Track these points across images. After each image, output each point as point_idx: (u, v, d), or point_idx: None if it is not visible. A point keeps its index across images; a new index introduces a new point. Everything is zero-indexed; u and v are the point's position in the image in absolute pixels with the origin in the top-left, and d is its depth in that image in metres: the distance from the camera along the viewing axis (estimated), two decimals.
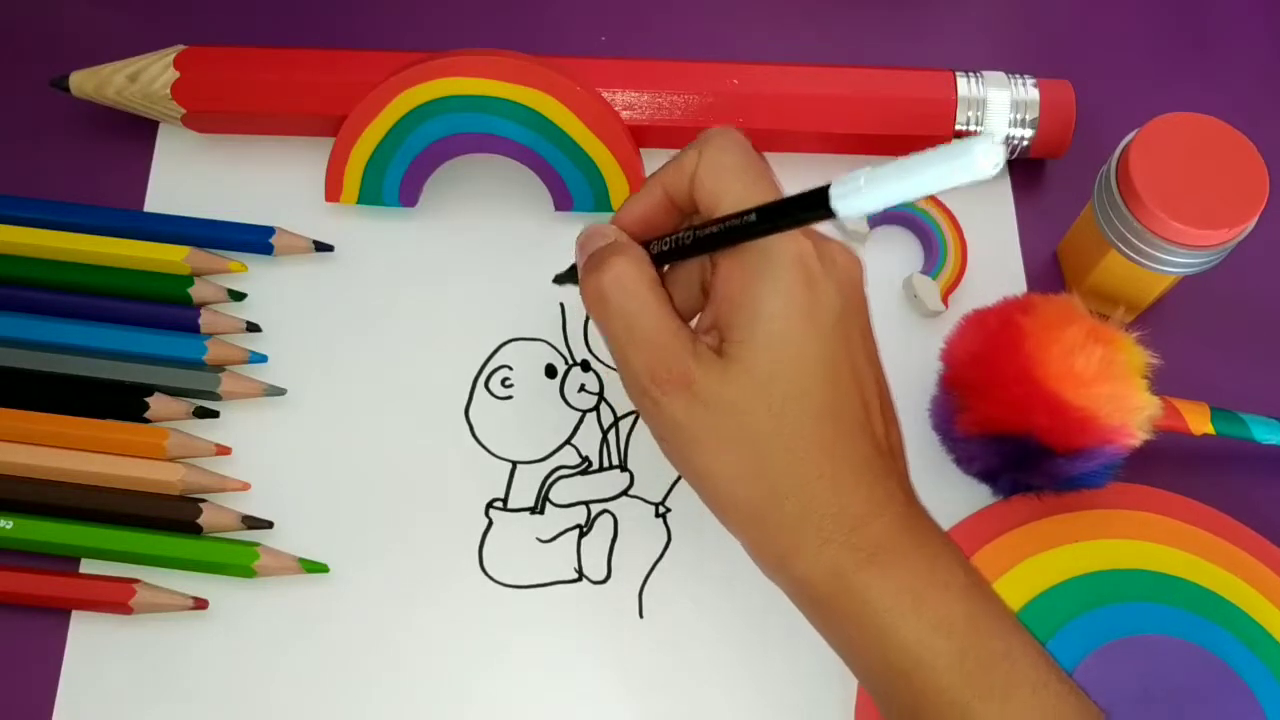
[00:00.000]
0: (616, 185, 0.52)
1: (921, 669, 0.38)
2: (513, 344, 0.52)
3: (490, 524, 0.49)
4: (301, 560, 0.47)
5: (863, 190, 0.35)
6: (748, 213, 0.39)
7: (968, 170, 0.32)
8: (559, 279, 0.50)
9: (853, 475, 0.40)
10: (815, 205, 0.36)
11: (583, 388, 0.51)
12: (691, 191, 0.41)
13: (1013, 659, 0.39)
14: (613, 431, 0.50)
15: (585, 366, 0.51)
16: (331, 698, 0.46)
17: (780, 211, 0.38)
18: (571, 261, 0.46)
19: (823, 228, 0.42)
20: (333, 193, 0.52)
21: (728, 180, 0.40)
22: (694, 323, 0.42)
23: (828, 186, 0.36)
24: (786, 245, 0.39)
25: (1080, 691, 0.39)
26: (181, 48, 0.53)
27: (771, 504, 0.39)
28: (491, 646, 0.47)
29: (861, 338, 0.41)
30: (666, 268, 0.44)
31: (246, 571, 0.47)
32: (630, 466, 0.50)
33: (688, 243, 0.41)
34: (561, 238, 0.53)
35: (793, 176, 0.55)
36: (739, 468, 0.39)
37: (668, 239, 0.42)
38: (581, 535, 0.49)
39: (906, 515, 0.40)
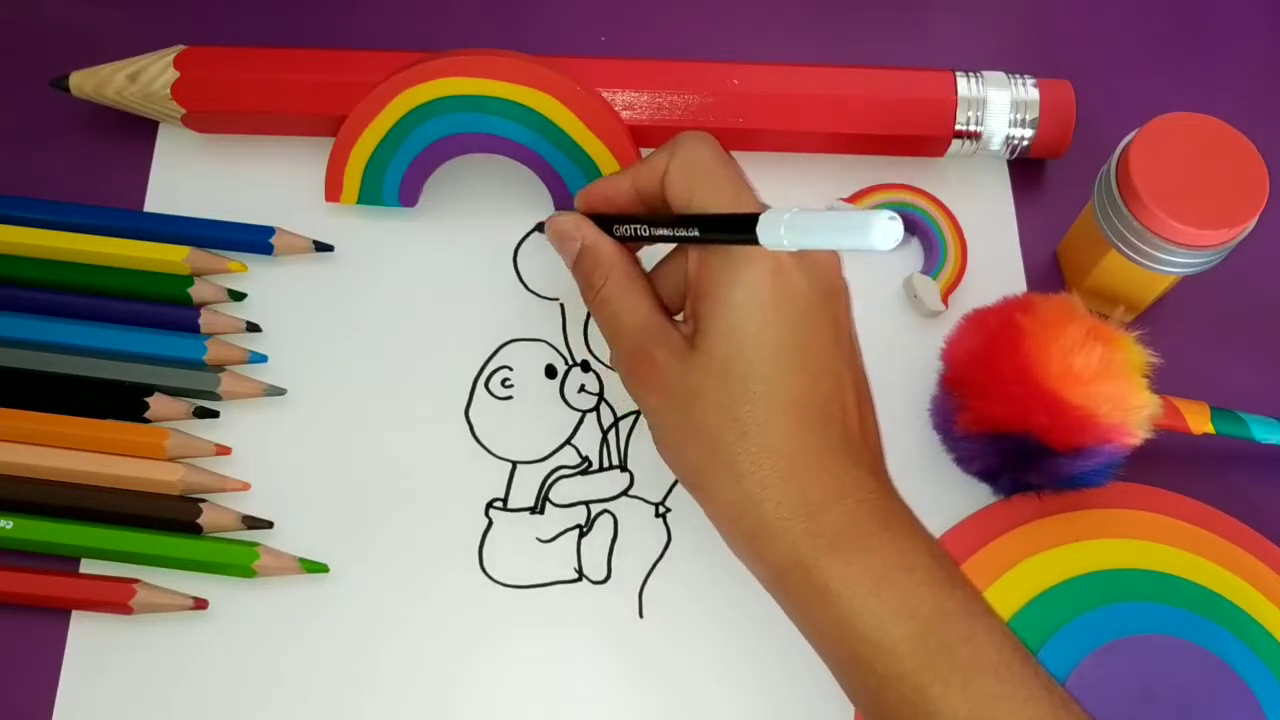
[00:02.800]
0: None
1: (882, 654, 0.39)
2: (513, 344, 0.52)
3: (490, 524, 0.49)
4: (301, 560, 0.47)
5: (780, 233, 0.38)
6: (692, 223, 0.41)
7: (865, 244, 0.35)
8: (539, 226, 0.53)
9: (815, 462, 0.40)
10: (743, 229, 0.39)
11: (583, 388, 0.51)
12: (662, 190, 0.43)
13: (976, 643, 0.39)
14: (613, 431, 0.50)
15: (585, 367, 0.51)
16: (331, 697, 0.46)
17: (717, 227, 0.41)
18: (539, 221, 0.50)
19: None
20: (333, 193, 0.52)
21: (698, 179, 0.43)
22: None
23: (757, 216, 0.39)
24: None
25: (1047, 676, 0.40)
26: (181, 48, 0.53)
27: (732, 490, 0.40)
28: (491, 646, 0.47)
29: (835, 326, 0.42)
30: (658, 261, 0.46)
31: (246, 571, 0.47)
32: (630, 466, 0.50)
33: (643, 235, 0.44)
34: None
35: (793, 176, 0.55)
36: (700, 452, 0.41)
37: (629, 226, 0.44)
38: (581, 535, 0.49)
39: (874, 502, 0.40)
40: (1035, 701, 0.39)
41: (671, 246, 0.45)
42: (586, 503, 0.49)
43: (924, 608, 0.39)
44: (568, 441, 0.50)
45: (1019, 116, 0.53)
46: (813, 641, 0.42)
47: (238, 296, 0.52)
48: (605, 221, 0.45)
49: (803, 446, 0.40)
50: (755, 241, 0.38)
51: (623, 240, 0.45)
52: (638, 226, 0.44)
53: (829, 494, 0.40)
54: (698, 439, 0.41)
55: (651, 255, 0.46)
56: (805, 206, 0.38)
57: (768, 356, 0.40)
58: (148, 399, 0.49)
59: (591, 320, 0.52)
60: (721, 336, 0.40)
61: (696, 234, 0.41)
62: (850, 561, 0.39)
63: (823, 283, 0.42)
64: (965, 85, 0.53)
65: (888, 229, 0.35)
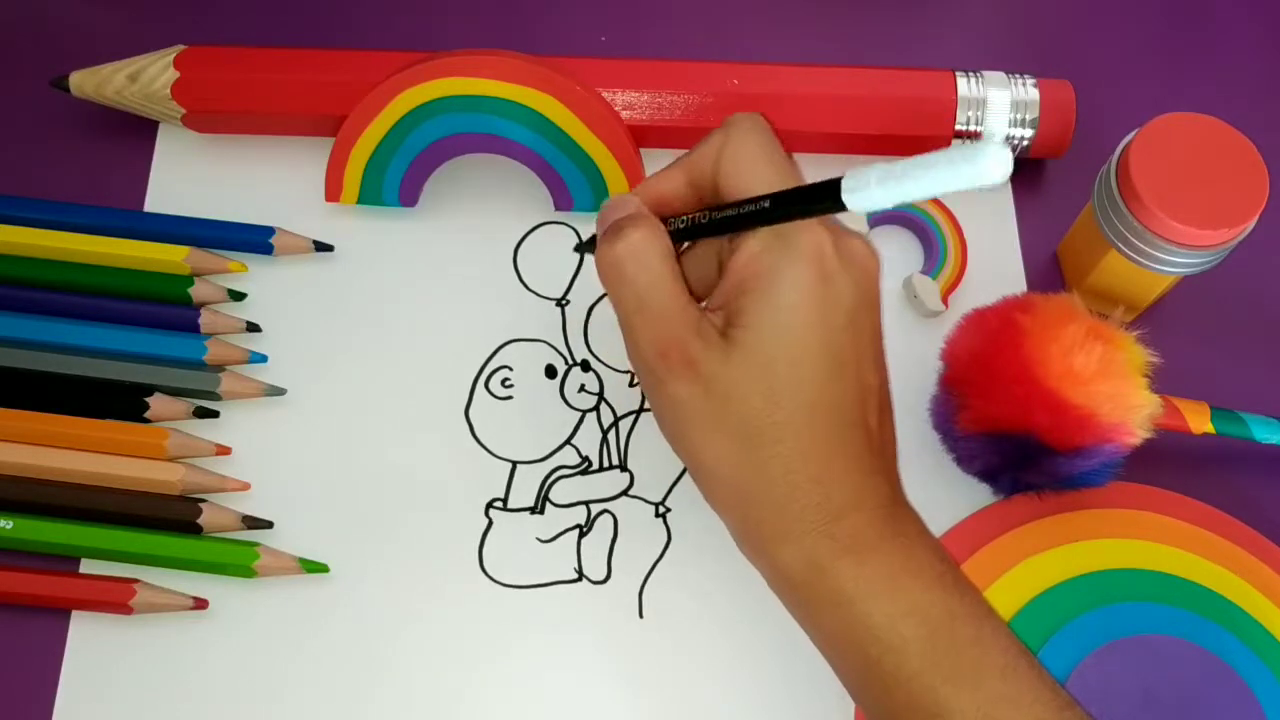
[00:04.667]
0: (616, 185, 0.52)
1: (892, 655, 0.39)
2: (513, 344, 0.52)
3: (490, 524, 0.49)
4: (301, 560, 0.47)
5: (873, 188, 0.36)
6: (763, 199, 0.40)
7: (977, 175, 0.33)
8: (580, 247, 0.50)
9: (840, 468, 0.40)
10: (826, 197, 0.37)
11: (583, 388, 0.51)
12: (715, 175, 0.42)
13: (983, 645, 0.39)
14: (613, 431, 0.50)
15: (585, 366, 0.51)
16: (332, 698, 0.46)
17: (793, 199, 0.39)
18: (594, 233, 0.46)
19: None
20: (333, 193, 0.52)
21: (755, 164, 0.41)
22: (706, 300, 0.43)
23: (839, 180, 0.37)
24: (806, 237, 0.40)
25: (1051, 678, 0.40)
26: (181, 48, 0.53)
27: (757, 489, 0.40)
28: (491, 646, 0.47)
29: (871, 334, 0.42)
30: (685, 245, 0.44)
31: (246, 571, 0.47)
32: (630, 466, 0.50)
33: (704, 222, 0.41)
34: (562, 237, 0.53)
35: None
36: (730, 450, 0.40)
37: (685, 218, 0.42)
38: (581, 535, 0.49)
39: (889, 510, 0.41)
40: (1041, 703, 0.39)
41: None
42: (586, 503, 0.49)
43: (934, 609, 0.39)
44: (568, 441, 0.50)
45: (1019, 116, 0.53)
46: (821, 644, 0.42)
47: (238, 296, 0.52)
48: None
49: (832, 452, 0.40)
50: (840, 207, 0.37)
51: (677, 233, 0.42)
52: (695, 215, 0.42)
53: (850, 500, 0.40)
54: (728, 437, 0.40)
55: None
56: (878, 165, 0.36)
57: (810, 361, 0.40)
58: (148, 399, 0.49)
59: (592, 320, 0.52)
60: (768, 336, 0.39)
61: (766, 207, 0.39)
62: (863, 563, 0.39)
63: (864, 291, 0.41)
64: (965, 85, 0.53)
65: (1000, 157, 0.32)
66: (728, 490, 0.41)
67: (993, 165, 0.32)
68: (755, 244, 0.40)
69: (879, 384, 0.42)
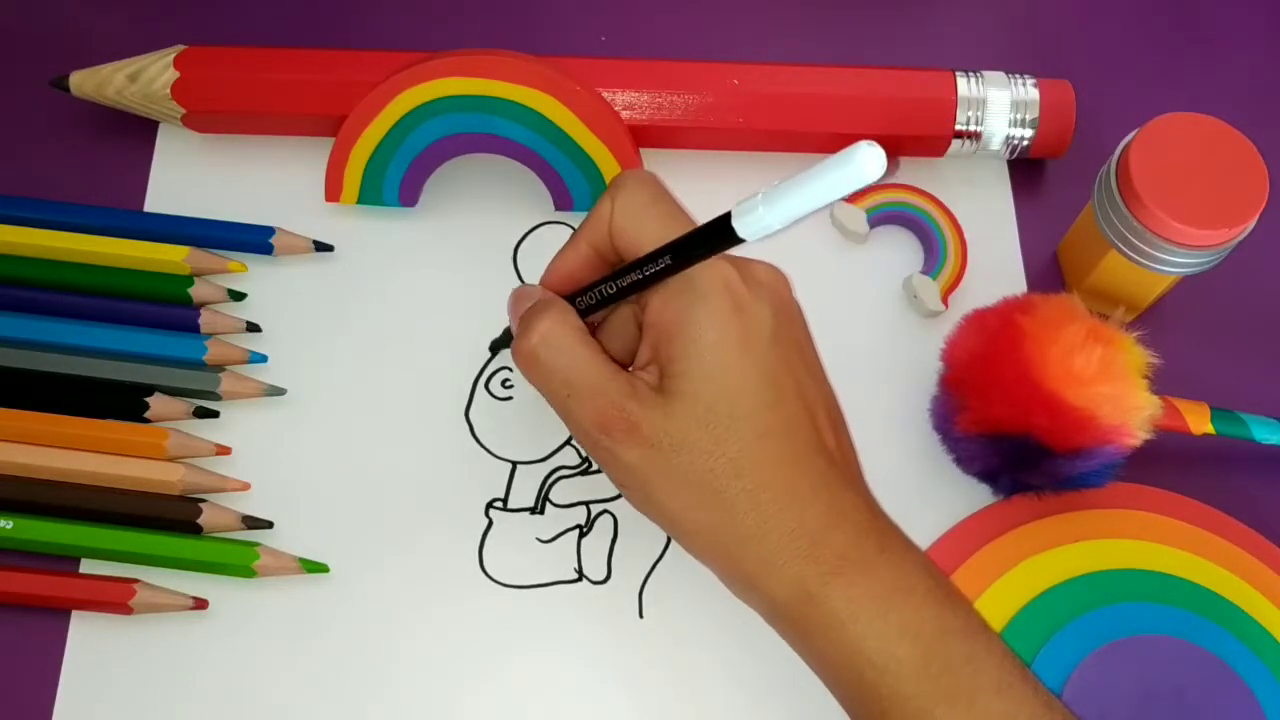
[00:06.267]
0: None
1: (887, 676, 0.39)
2: None
3: (490, 524, 0.49)
4: (301, 560, 0.47)
5: (760, 210, 0.36)
6: (662, 254, 0.40)
7: (856, 177, 0.33)
8: (495, 345, 0.50)
9: (808, 490, 0.40)
10: (719, 233, 0.37)
11: None
12: (611, 237, 0.42)
13: (977, 662, 0.39)
14: None
15: None
16: (332, 698, 0.46)
17: (689, 245, 0.39)
18: (506, 326, 0.47)
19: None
20: (333, 193, 0.52)
21: (642, 219, 0.41)
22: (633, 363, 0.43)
23: (729, 213, 0.37)
24: (711, 274, 0.40)
25: (1047, 693, 0.40)
26: (181, 48, 0.53)
27: (731, 530, 0.40)
28: (491, 647, 0.47)
29: (800, 352, 0.42)
30: (602, 316, 0.44)
31: (246, 571, 0.47)
32: None
33: (611, 293, 0.42)
34: (562, 237, 0.53)
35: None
36: (695, 499, 0.40)
37: (591, 292, 0.42)
38: (581, 535, 0.49)
39: (867, 525, 0.41)
40: (1036, 718, 0.39)
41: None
42: (586, 503, 0.49)
43: (927, 627, 0.39)
44: (568, 442, 0.50)
45: (1019, 116, 0.53)
46: (819, 670, 0.42)
47: (238, 296, 0.52)
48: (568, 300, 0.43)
49: (795, 475, 0.40)
50: (736, 240, 0.37)
51: (588, 310, 0.42)
52: (601, 287, 0.42)
53: (826, 520, 0.40)
54: (689, 487, 0.40)
55: None
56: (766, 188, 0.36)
57: (748, 392, 0.40)
58: (148, 399, 0.49)
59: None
60: (702, 378, 0.39)
61: (668, 262, 0.39)
62: (853, 585, 0.39)
63: (780, 308, 0.41)
64: (965, 85, 0.53)
65: (872, 156, 0.33)
66: (704, 537, 0.41)
67: (868, 164, 0.33)
68: (664, 294, 0.41)
69: (822, 397, 0.42)
